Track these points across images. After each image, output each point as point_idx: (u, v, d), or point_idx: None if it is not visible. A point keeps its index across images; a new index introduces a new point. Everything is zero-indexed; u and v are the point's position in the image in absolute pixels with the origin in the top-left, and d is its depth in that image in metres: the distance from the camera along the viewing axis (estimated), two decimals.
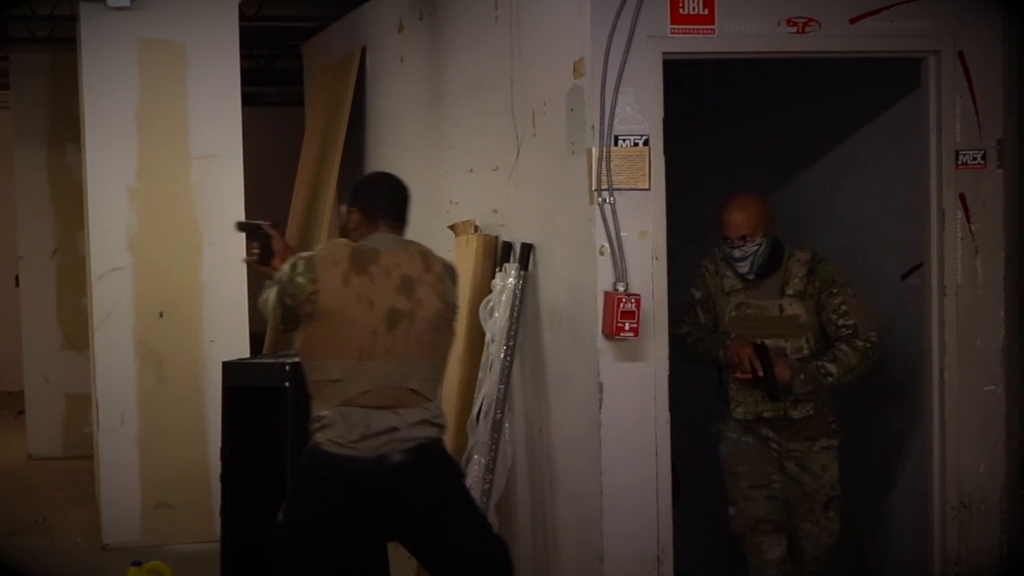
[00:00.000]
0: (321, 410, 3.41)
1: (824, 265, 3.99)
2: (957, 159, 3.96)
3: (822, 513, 4.04)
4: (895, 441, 4.27)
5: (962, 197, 3.97)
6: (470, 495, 3.68)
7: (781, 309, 3.97)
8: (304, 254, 3.47)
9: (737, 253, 3.95)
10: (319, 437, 3.40)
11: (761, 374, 3.88)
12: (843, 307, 3.93)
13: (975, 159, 3.98)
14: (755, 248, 3.94)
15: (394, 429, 3.37)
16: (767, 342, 3.93)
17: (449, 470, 3.56)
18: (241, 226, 3.81)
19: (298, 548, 3.44)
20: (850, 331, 3.93)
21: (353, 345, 3.37)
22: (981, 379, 4.00)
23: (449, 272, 3.57)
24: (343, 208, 3.62)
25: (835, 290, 3.95)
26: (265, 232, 3.65)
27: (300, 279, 3.39)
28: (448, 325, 3.54)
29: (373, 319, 3.39)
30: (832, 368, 3.92)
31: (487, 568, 3.51)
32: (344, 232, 3.60)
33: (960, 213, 3.97)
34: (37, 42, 7.63)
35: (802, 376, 3.90)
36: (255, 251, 3.63)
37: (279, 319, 3.49)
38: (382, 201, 3.54)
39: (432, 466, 3.46)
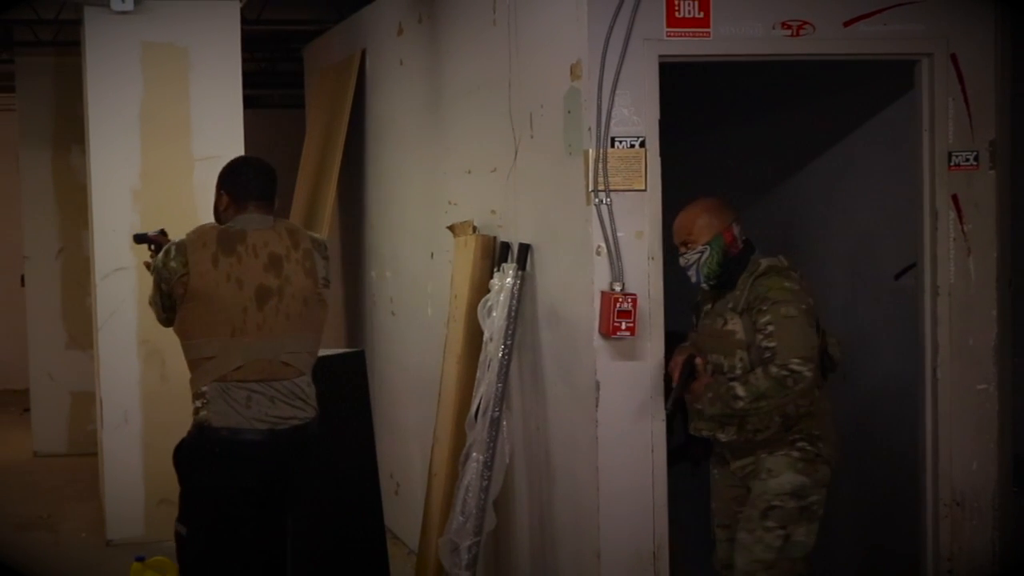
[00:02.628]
0: (200, 387, 3.59)
1: (763, 279, 3.65)
2: (950, 160, 3.99)
3: (759, 522, 3.66)
4: (888, 440, 4.30)
5: (955, 198, 4.00)
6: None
7: (724, 323, 3.69)
8: (175, 240, 3.68)
9: (681, 261, 3.78)
10: (204, 415, 3.58)
11: (675, 384, 3.69)
12: (769, 327, 3.58)
13: (968, 160, 4.00)
14: (696, 256, 3.72)
15: (272, 402, 3.58)
16: (713, 357, 3.70)
17: (314, 447, 3.75)
18: (137, 238, 4.08)
19: (207, 527, 3.60)
20: (769, 354, 3.57)
21: (225, 323, 3.56)
22: (974, 378, 4.02)
23: (318, 247, 3.74)
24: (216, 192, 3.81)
25: (764, 307, 3.60)
26: (158, 240, 3.88)
27: (173, 263, 3.60)
28: (319, 299, 3.70)
29: (243, 297, 3.57)
30: (741, 392, 3.58)
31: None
32: (216, 215, 3.78)
33: (953, 214, 4.00)
34: (42, 45, 7.68)
35: (710, 395, 3.65)
36: (152, 255, 3.86)
37: (159, 307, 3.69)
38: (249, 183, 3.73)
39: (309, 445, 3.69)
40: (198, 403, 3.61)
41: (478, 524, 4.22)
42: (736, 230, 3.74)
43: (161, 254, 3.67)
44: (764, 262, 3.72)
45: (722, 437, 3.73)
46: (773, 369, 3.56)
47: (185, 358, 3.66)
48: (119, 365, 5.85)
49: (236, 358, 3.56)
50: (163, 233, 3.96)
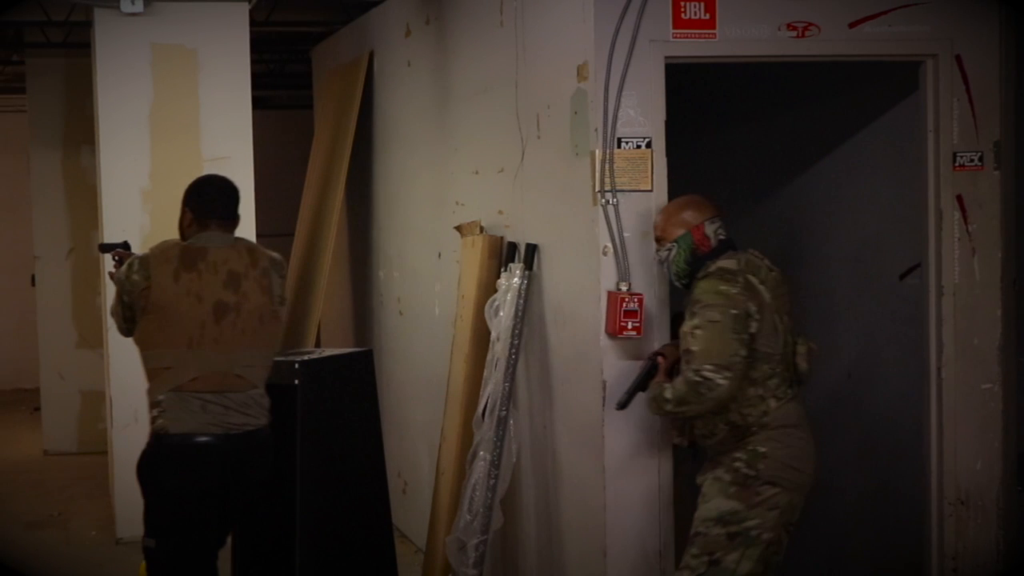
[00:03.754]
0: (157, 395, 3.77)
1: (702, 282, 3.55)
2: (954, 161, 4.00)
3: (688, 547, 3.59)
4: (893, 438, 4.31)
5: (959, 198, 4.01)
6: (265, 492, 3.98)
7: (681, 323, 3.62)
8: (139, 255, 3.86)
9: (656, 258, 3.74)
10: (161, 423, 3.76)
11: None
12: (696, 331, 3.48)
13: (972, 161, 4.02)
14: (666, 254, 3.66)
15: (226, 411, 3.75)
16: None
17: (268, 461, 3.92)
18: (102, 248, 4.26)
19: (175, 535, 3.79)
20: (687, 358, 3.50)
21: (183, 335, 3.73)
22: (978, 377, 4.03)
23: (275, 266, 3.91)
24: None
25: (695, 310, 3.51)
26: (121, 253, 4.03)
27: (135, 276, 3.75)
28: (274, 315, 3.88)
29: (201, 311, 3.74)
30: (668, 395, 3.53)
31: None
32: (180, 230, 3.93)
33: (957, 214, 4.01)
34: (52, 47, 7.71)
35: (650, 395, 3.62)
36: (115, 266, 4.00)
37: (120, 317, 3.84)
38: (211, 202, 3.89)
39: (260, 449, 3.85)
40: (155, 412, 3.78)
41: (485, 523, 4.24)
42: (710, 228, 3.62)
43: (124, 267, 3.82)
44: (717, 263, 3.57)
45: (675, 440, 3.76)
46: (689, 374, 3.48)
47: (143, 367, 3.83)
48: (129, 364, 5.82)
49: (192, 369, 3.73)
50: (126, 245, 4.14)
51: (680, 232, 3.63)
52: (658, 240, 3.71)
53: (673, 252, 3.64)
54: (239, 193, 3.99)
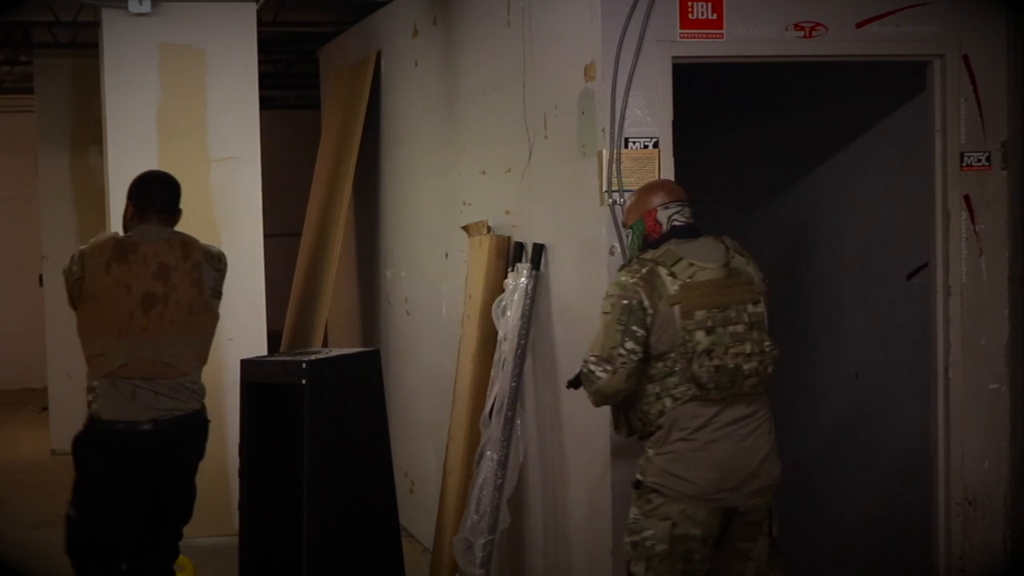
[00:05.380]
0: (92, 381, 4.00)
1: (618, 273, 3.45)
2: (962, 161, 4.00)
3: None
4: (900, 438, 4.31)
5: (967, 198, 4.01)
6: (194, 472, 4.20)
7: None
8: (80, 247, 4.08)
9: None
10: (95, 408, 3.98)
11: None
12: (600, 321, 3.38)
13: (980, 161, 4.02)
14: (627, 239, 3.56)
15: (156, 396, 3.97)
16: None
17: (199, 445, 4.15)
18: None
19: (95, 510, 3.99)
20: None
21: (113, 324, 3.95)
22: (986, 377, 4.03)
23: (209, 260, 4.11)
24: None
25: (604, 301, 3.41)
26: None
27: (74, 268, 4.01)
28: (205, 307, 4.07)
29: (130, 302, 3.96)
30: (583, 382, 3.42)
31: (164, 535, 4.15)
32: (124, 223, 4.16)
33: (965, 214, 4.01)
34: (60, 47, 7.74)
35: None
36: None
37: (70, 302, 4.07)
38: (152, 197, 4.11)
39: (191, 432, 4.07)
40: (90, 396, 4.01)
41: (492, 522, 4.25)
42: (663, 214, 3.43)
43: (69, 259, 4.07)
44: (647, 253, 3.40)
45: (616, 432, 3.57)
46: (582, 363, 3.41)
47: (83, 353, 4.04)
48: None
49: (120, 356, 3.95)
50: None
51: (635, 218, 3.50)
52: (623, 226, 3.63)
53: (629, 238, 3.53)
54: (180, 188, 4.20)
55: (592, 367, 3.35)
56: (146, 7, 5.73)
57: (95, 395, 3.99)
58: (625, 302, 3.33)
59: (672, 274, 3.34)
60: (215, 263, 4.12)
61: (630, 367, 3.32)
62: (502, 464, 4.26)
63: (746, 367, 3.34)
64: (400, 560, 4.68)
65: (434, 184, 5.53)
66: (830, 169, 4.62)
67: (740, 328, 3.36)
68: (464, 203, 5.07)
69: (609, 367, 3.32)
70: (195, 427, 4.13)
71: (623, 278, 3.37)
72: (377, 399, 4.59)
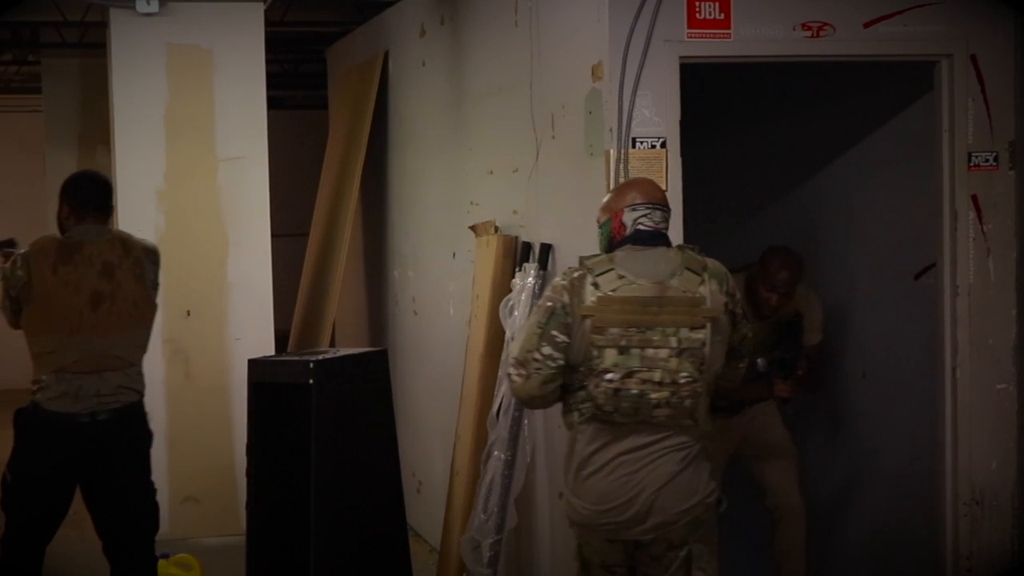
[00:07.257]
0: (39, 375, 4.11)
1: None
2: (969, 161, 4.00)
3: None
4: (908, 438, 4.31)
5: (974, 198, 4.01)
6: (147, 461, 4.31)
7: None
8: (21, 251, 4.18)
9: None
10: (39, 397, 4.10)
11: None
12: None
13: (987, 161, 4.02)
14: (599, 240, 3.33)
15: (100, 390, 4.08)
16: None
17: (143, 431, 4.26)
18: None
19: (24, 490, 4.11)
20: None
21: (64, 323, 4.06)
22: (993, 377, 4.03)
23: (149, 255, 4.22)
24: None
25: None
26: (8, 248, 4.37)
27: (19, 272, 4.09)
28: (147, 300, 4.21)
29: (79, 301, 4.06)
30: None
31: (127, 534, 4.27)
32: (59, 223, 4.24)
33: (972, 214, 4.01)
34: (68, 47, 7.76)
35: None
36: (2, 263, 4.30)
37: (9, 311, 4.17)
38: (87, 196, 4.20)
39: (131, 424, 4.18)
40: (35, 387, 4.12)
41: (500, 522, 4.25)
42: (628, 216, 3.20)
43: (9, 264, 4.14)
44: (592, 258, 3.21)
45: None
46: None
47: (29, 351, 4.14)
48: (143, 364, 5.90)
49: (73, 353, 4.06)
50: (11, 242, 4.44)
51: (605, 217, 3.27)
52: (597, 224, 3.36)
53: (599, 239, 3.29)
54: (112, 186, 4.35)
55: (510, 369, 3.22)
56: (154, 7, 5.74)
57: (41, 386, 4.10)
58: (550, 304, 3.14)
59: (596, 284, 3.11)
60: (153, 257, 4.25)
61: (545, 373, 3.13)
62: (509, 463, 4.26)
63: (653, 396, 3.06)
64: (407, 559, 4.69)
65: (441, 184, 5.54)
66: (837, 169, 4.62)
67: (663, 353, 3.06)
68: (471, 203, 5.07)
69: (523, 371, 3.15)
70: (133, 418, 4.23)
71: (557, 280, 3.21)
72: (384, 399, 4.60)
